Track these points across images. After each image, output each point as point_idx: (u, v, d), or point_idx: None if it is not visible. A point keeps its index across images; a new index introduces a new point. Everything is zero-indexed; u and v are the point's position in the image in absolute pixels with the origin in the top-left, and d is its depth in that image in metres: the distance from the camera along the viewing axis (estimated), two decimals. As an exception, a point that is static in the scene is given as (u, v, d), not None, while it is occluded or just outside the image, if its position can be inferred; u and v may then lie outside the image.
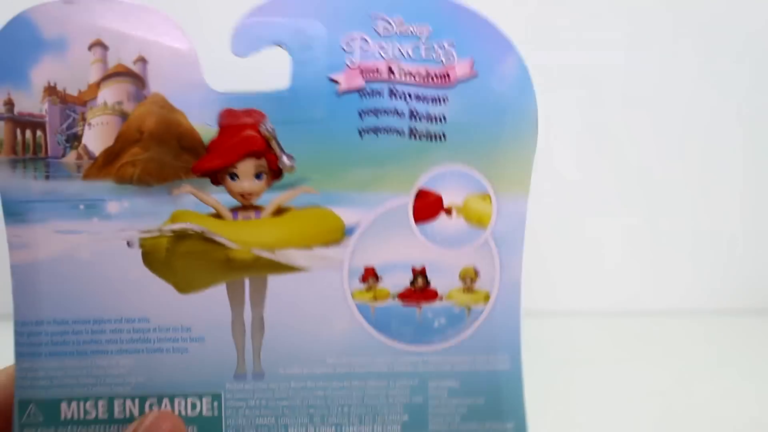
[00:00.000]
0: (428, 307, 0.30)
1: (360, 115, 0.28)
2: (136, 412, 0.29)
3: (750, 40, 0.61)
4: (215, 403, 0.29)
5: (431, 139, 0.28)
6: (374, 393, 0.30)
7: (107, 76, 0.27)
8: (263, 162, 0.28)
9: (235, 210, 0.28)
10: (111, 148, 0.28)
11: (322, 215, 0.29)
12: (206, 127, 0.28)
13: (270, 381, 0.29)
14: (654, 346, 0.59)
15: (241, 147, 0.28)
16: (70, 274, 0.28)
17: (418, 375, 0.30)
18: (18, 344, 0.28)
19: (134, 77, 0.27)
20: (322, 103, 0.28)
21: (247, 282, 0.29)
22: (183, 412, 0.29)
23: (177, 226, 0.28)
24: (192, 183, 0.28)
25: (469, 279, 0.29)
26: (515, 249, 0.30)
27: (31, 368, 0.28)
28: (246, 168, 0.28)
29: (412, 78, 0.28)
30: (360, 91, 0.28)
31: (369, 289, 0.29)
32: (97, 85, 0.27)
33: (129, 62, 0.27)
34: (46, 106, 0.27)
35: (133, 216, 0.28)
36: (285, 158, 0.28)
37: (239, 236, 0.28)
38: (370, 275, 0.29)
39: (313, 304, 0.29)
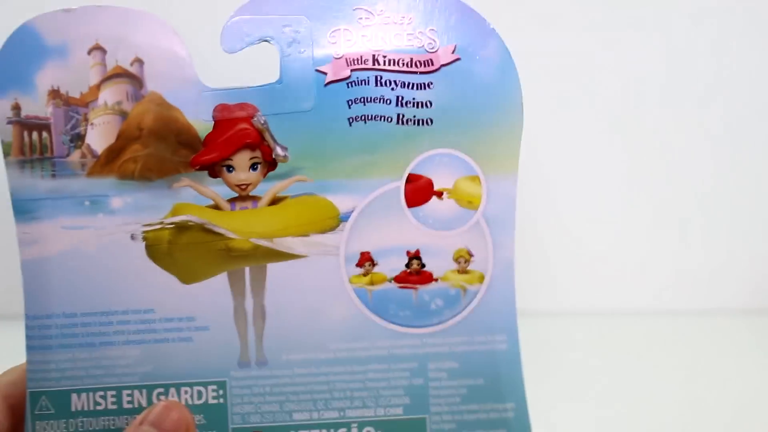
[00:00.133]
0: (424, 290, 0.30)
1: (348, 104, 0.29)
2: (144, 401, 0.30)
3: (757, 32, 0.62)
4: (221, 391, 0.30)
5: (419, 125, 0.29)
6: (375, 377, 0.30)
7: (107, 78, 0.29)
8: (258, 153, 0.29)
9: (232, 201, 0.30)
10: (113, 146, 0.29)
11: (317, 203, 0.30)
12: (202, 122, 0.29)
13: (273, 368, 0.30)
14: (654, 347, 0.59)
15: (236, 140, 0.29)
16: (78, 268, 0.29)
17: (417, 357, 0.30)
18: (29, 338, 0.29)
19: (132, 78, 0.29)
20: (310, 94, 0.29)
21: (247, 271, 0.30)
22: (189, 401, 0.30)
23: (178, 219, 0.29)
24: (191, 176, 0.29)
25: (463, 260, 0.30)
26: (507, 229, 0.30)
27: (42, 361, 0.29)
28: (241, 160, 0.29)
29: (397, 65, 0.29)
30: (347, 81, 0.29)
31: (365, 273, 0.30)
32: (98, 86, 0.29)
33: (126, 64, 0.29)
34: (50, 108, 0.29)
35: (135, 210, 0.29)
36: (278, 149, 0.29)
37: (238, 226, 0.30)
38: (366, 260, 0.30)
39: (312, 291, 0.30)
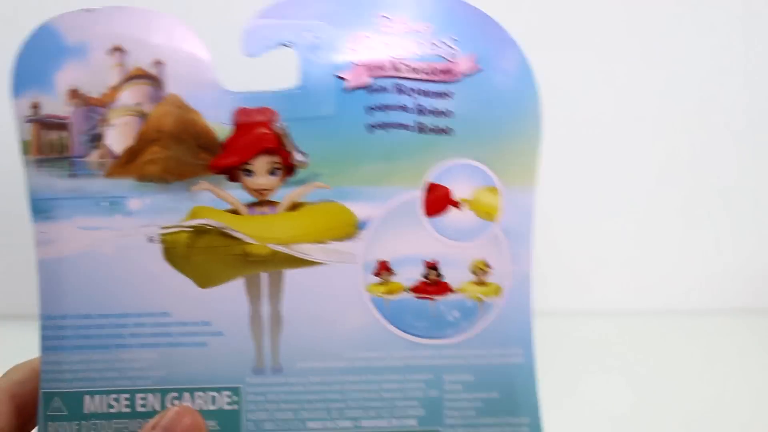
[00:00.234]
0: (441, 301, 0.30)
1: (368, 111, 0.29)
2: (157, 406, 0.29)
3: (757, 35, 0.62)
4: (235, 397, 0.30)
5: (438, 134, 0.29)
6: (390, 387, 0.30)
7: (126, 79, 0.29)
8: (277, 158, 0.29)
9: (251, 206, 0.29)
10: (132, 147, 0.29)
11: (335, 210, 0.29)
12: (221, 126, 0.29)
13: (288, 375, 0.30)
14: (654, 347, 0.59)
15: (255, 144, 0.29)
16: (94, 269, 0.29)
17: (433, 369, 0.30)
18: (44, 338, 0.29)
19: (152, 79, 0.29)
20: (331, 100, 0.29)
21: (264, 276, 0.30)
22: (203, 406, 0.29)
23: (196, 222, 0.29)
24: (209, 180, 0.29)
25: (480, 272, 0.30)
26: (525, 241, 0.30)
27: (56, 362, 0.29)
28: (260, 165, 0.29)
29: (417, 74, 0.29)
30: (367, 88, 0.29)
31: (383, 282, 0.30)
32: (118, 87, 0.29)
33: (146, 65, 0.28)
34: (70, 108, 0.29)
35: (153, 212, 0.29)
36: (298, 154, 0.29)
37: (256, 231, 0.29)
38: (383, 269, 0.30)
39: (329, 299, 0.30)
